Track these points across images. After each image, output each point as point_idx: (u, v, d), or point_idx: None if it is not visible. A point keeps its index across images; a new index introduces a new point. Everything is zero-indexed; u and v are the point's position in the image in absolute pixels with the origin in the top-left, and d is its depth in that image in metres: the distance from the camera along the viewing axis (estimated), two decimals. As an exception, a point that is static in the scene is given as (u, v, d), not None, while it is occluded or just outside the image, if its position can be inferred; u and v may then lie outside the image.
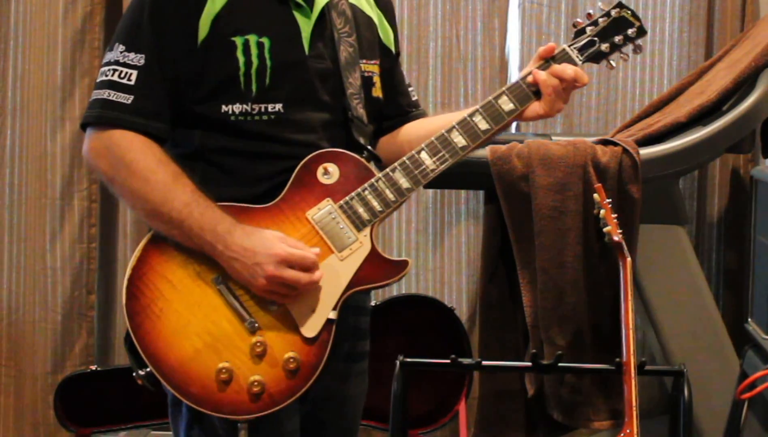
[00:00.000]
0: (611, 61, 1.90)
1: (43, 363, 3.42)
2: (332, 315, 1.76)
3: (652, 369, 2.59)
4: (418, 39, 3.38)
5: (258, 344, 1.72)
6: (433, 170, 1.80)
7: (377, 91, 1.93)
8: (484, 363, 2.61)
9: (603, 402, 2.88)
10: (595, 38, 1.88)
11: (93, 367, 3.16)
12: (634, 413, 2.21)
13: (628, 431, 2.21)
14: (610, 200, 2.49)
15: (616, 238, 2.42)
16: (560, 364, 2.48)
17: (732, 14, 3.32)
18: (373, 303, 3.06)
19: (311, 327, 1.75)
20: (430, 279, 3.43)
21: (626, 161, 2.78)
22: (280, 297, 1.73)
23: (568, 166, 2.78)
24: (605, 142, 2.87)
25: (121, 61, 1.74)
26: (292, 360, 1.73)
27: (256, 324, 1.73)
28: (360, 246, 1.78)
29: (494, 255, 3.02)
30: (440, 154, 1.80)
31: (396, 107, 2.03)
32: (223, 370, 1.71)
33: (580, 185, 2.78)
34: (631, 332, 2.32)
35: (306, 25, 1.81)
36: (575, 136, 3.00)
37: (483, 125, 1.82)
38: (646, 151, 2.82)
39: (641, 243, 2.81)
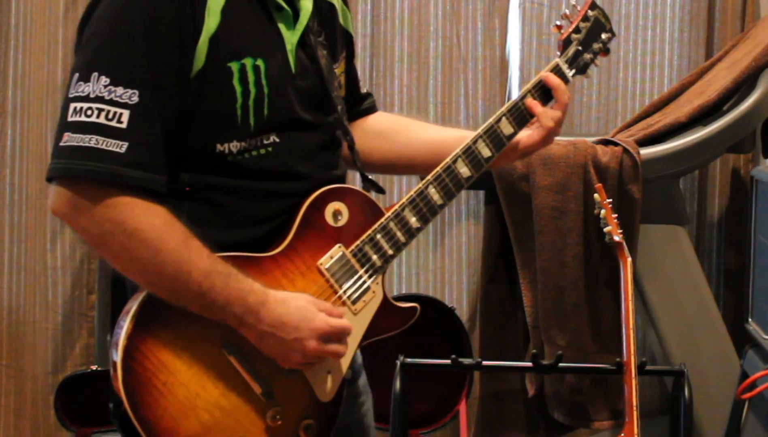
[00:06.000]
0: (588, 71, 1.82)
1: (43, 363, 3.42)
2: (348, 374, 1.62)
3: (653, 369, 2.58)
4: (418, 39, 3.38)
5: (275, 416, 1.55)
6: (440, 206, 1.66)
7: (342, 92, 1.73)
8: (485, 363, 2.61)
9: (603, 402, 2.88)
10: (580, 47, 1.79)
11: (93, 367, 3.15)
12: (635, 413, 2.21)
13: (628, 431, 2.21)
14: (611, 200, 2.49)
15: (616, 238, 2.42)
16: (560, 364, 2.47)
17: (732, 14, 3.31)
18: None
19: (328, 392, 1.60)
20: (431, 279, 3.43)
21: (627, 161, 2.78)
22: (307, 367, 1.56)
23: (568, 165, 2.79)
24: (606, 142, 2.87)
25: (107, 97, 1.40)
26: (309, 427, 1.58)
27: (272, 394, 1.54)
28: (373, 297, 1.62)
29: (495, 256, 3.02)
30: (447, 188, 1.66)
31: (352, 94, 1.82)
32: None
33: (580, 185, 2.78)
34: (631, 332, 2.32)
35: (291, 37, 1.58)
36: (575, 136, 3.00)
37: (485, 152, 1.70)
38: (646, 151, 2.82)
39: (641, 243, 2.82)
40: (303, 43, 1.60)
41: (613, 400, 2.87)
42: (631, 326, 2.32)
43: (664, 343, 2.92)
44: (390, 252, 1.62)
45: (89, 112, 1.40)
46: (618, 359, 2.36)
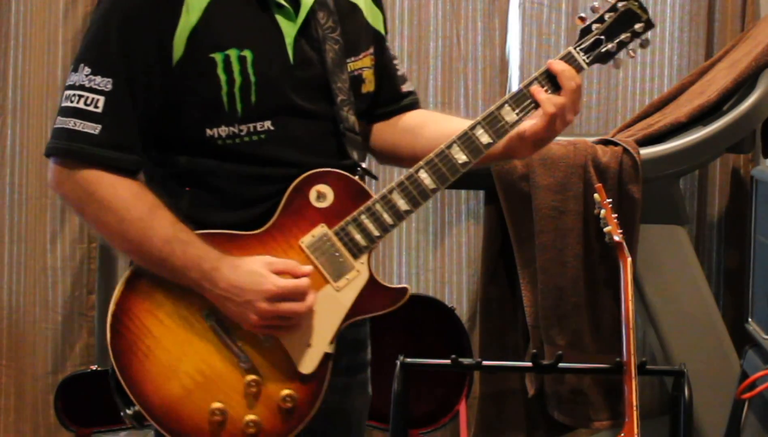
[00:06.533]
0: (617, 60, 1.76)
1: (43, 363, 3.42)
2: (329, 349, 1.65)
3: (652, 369, 2.59)
4: (418, 39, 3.38)
5: (252, 383, 1.62)
6: (433, 190, 1.67)
7: (368, 87, 1.79)
8: (485, 363, 2.61)
9: (603, 402, 2.88)
10: (602, 36, 1.72)
11: (93, 367, 3.15)
12: (635, 413, 2.21)
13: (628, 431, 2.21)
14: (611, 200, 2.49)
15: (616, 238, 2.42)
16: (560, 364, 2.48)
17: (732, 14, 3.32)
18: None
19: (308, 364, 1.64)
20: (431, 279, 3.43)
21: (627, 161, 2.78)
22: (275, 331, 1.62)
23: (568, 165, 2.79)
24: (605, 142, 2.87)
25: (87, 85, 1.58)
26: (288, 398, 1.63)
27: (250, 362, 1.63)
28: (357, 276, 1.66)
29: (495, 255, 3.02)
30: (440, 173, 1.66)
31: (390, 92, 1.88)
32: (217, 411, 1.61)
33: (580, 185, 2.78)
34: (631, 332, 2.32)
35: (290, 30, 1.66)
36: (575, 136, 3.00)
37: (485, 139, 1.68)
38: (646, 151, 2.82)
39: (641, 243, 2.82)
40: (306, 35, 1.67)
41: (613, 400, 2.87)
42: (631, 326, 2.32)
43: (664, 343, 2.92)
44: (375, 233, 1.65)
45: (73, 99, 1.59)
46: (618, 359, 2.36)
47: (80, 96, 1.58)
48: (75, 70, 1.61)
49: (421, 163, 1.67)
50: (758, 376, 2.43)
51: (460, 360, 2.49)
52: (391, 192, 1.66)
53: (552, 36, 3.39)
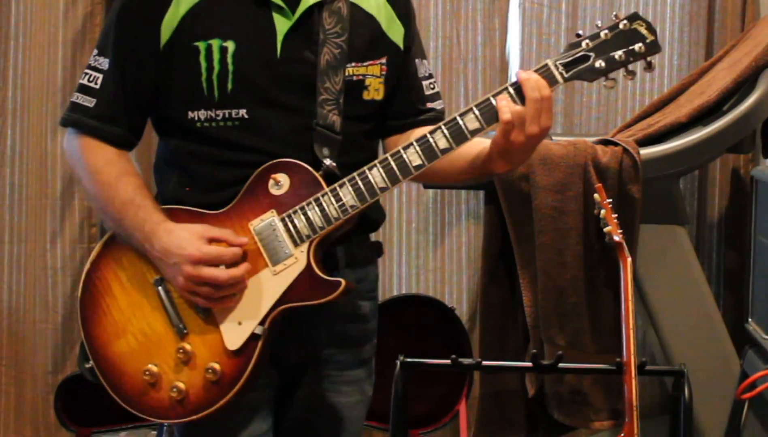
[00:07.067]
0: (610, 79, 1.71)
1: (43, 363, 3.42)
2: (258, 330, 1.72)
3: (652, 369, 2.58)
4: (418, 39, 3.38)
5: (182, 350, 1.73)
6: (382, 189, 1.72)
7: (371, 94, 1.84)
8: (485, 363, 2.61)
9: (603, 402, 2.88)
10: (590, 53, 1.69)
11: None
12: (635, 413, 2.21)
13: (628, 431, 2.21)
14: (611, 200, 2.49)
15: (616, 238, 2.42)
16: (560, 364, 2.47)
17: (732, 14, 3.32)
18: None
19: (235, 340, 1.72)
20: (431, 279, 3.43)
21: (627, 161, 2.78)
22: (201, 299, 1.71)
23: (568, 165, 2.79)
24: (605, 142, 2.87)
25: (92, 64, 1.79)
26: (212, 370, 1.71)
27: (185, 330, 1.74)
28: (295, 262, 1.73)
29: (495, 256, 3.02)
30: (392, 173, 1.72)
31: (405, 106, 1.93)
32: (148, 372, 1.73)
33: (580, 185, 2.78)
34: (631, 332, 2.32)
35: (283, 26, 1.76)
36: (575, 136, 3.00)
37: (442, 143, 1.71)
38: (646, 151, 2.82)
39: (641, 243, 2.82)
40: (300, 33, 1.77)
41: (613, 400, 2.87)
42: (631, 326, 2.32)
43: (664, 343, 2.92)
44: (319, 223, 1.73)
45: (83, 76, 1.80)
46: (618, 359, 2.36)
47: (87, 74, 1.79)
48: (92, 53, 1.81)
49: (375, 161, 1.73)
50: (758, 376, 2.43)
51: (460, 360, 2.49)
52: (341, 186, 1.73)
53: (552, 36, 3.39)
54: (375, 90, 1.85)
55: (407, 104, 1.94)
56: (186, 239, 1.70)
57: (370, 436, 3.31)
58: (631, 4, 3.39)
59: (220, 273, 1.69)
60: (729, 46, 3.17)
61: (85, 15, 3.36)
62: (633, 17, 1.70)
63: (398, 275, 3.43)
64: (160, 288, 1.75)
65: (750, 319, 2.87)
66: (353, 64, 1.81)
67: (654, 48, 1.70)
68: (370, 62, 1.84)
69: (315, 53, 1.77)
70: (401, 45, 1.89)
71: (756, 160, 3.26)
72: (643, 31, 1.69)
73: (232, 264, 1.70)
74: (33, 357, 3.43)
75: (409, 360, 2.51)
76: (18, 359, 3.45)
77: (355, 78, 1.81)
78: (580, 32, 1.73)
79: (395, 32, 1.88)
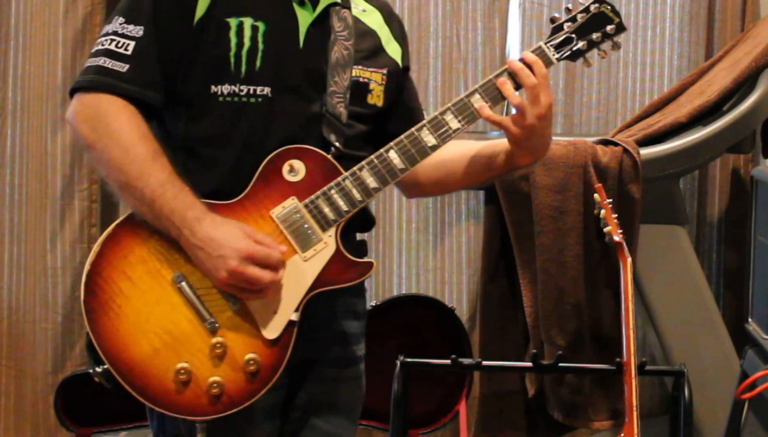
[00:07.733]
0: (588, 59, 1.85)
1: (43, 363, 3.42)
2: (294, 316, 1.72)
3: (652, 369, 2.59)
4: (418, 39, 3.38)
5: (218, 345, 1.69)
6: (402, 170, 1.77)
7: (374, 99, 1.89)
8: (485, 363, 2.61)
9: (603, 402, 2.88)
10: (573, 35, 1.83)
11: (93, 367, 3.15)
12: (635, 413, 2.21)
13: (628, 431, 2.21)
14: (611, 200, 2.49)
15: (616, 238, 2.42)
16: (560, 364, 2.48)
17: (732, 14, 3.32)
18: (373, 303, 3.06)
19: (273, 329, 1.71)
20: (431, 279, 3.43)
21: (627, 161, 2.78)
22: (239, 292, 1.70)
23: (568, 166, 2.79)
24: (605, 142, 2.87)
25: (120, 32, 1.74)
26: (252, 361, 1.70)
27: (217, 324, 1.70)
28: (325, 247, 1.74)
29: (495, 256, 3.02)
30: (409, 154, 1.77)
31: (404, 123, 1.92)
32: (182, 371, 1.68)
33: (580, 185, 2.78)
34: (631, 332, 2.32)
35: (305, 20, 1.81)
36: (575, 136, 3.00)
37: (454, 124, 1.78)
38: (646, 151, 2.82)
39: (641, 243, 2.82)
40: (320, 28, 1.82)
41: (613, 400, 2.87)
42: (631, 326, 2.32)
43: (664, 343, 2.92)
44: (344, 207, 1.75)
45: (104, 42, 1.74)
46: (618, 359, 2.36)
47: (112, 39, 1.74)
48: (109, 22, 1.77)
49: (391, 143, 1.77)
50: (758, 376, 2.43)
51: (460, 360, 2.49)
52: (361, 169, 1.76)
53: (552, 36, 3.39)
54: (377, 96, 1.89)
55: (407, 123, 1.93)
56: (236, 234, 1.67)
57: (370, 436, 3.31)
58: (630, 4, 3.39)
59: (265, 274, 1.67)
60: (729, 46, 3.17)
61: (85, 15, 3.36)
62: (599, 0, 1.84)
63: (398, 275, 3.43)
64: (183, 283, 1.70)
65: (750, 319, 2.87)
66: (359, 67, 1.86)
67: (621, 28, 1.85)
68: (374, 69, 1.89)
69: (327, 50, 1.82)
70: (400, 63, 1.96)
71: (756, 160, 3.26)
72: (610, 13, 1.85)
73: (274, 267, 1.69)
74: (33, 357, 3.43)
75: (409, 360, 2.51)
76: (18, 359, 3.45)
77: (361, 79, 1.86)
78: (556, 14, 1.85)
79: (393, 50, 1.95)
